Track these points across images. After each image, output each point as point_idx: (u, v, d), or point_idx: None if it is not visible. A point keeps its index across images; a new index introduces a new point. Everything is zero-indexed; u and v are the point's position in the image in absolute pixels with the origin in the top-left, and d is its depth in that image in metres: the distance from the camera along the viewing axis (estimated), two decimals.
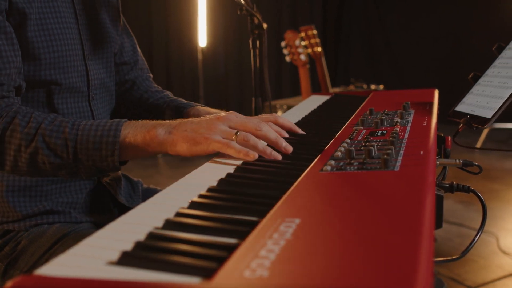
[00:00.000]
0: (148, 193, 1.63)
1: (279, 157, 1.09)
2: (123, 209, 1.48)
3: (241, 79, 7.04)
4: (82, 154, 1.13)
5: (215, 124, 1.11)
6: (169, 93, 1.68)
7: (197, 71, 6.45)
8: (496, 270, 2.87)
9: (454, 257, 1.07)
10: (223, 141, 1.08)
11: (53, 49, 1.29)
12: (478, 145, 5.40)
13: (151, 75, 1.74)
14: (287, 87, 7.32)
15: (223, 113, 1.16)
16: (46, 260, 1.25)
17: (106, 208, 1.47)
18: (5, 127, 1.13)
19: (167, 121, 1.15)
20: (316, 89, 4.15)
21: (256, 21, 1.99)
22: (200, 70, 6.39)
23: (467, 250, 1.05)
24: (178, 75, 6.69)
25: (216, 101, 6.76)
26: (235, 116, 1.15)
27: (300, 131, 1.34)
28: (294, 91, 7.19)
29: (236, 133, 1.11)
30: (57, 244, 1.28)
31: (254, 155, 1.07)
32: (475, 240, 1.06)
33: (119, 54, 1.60)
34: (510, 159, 5.28)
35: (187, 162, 5.45)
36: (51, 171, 1.16)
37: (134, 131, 1.14)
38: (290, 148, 1.12)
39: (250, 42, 2.01)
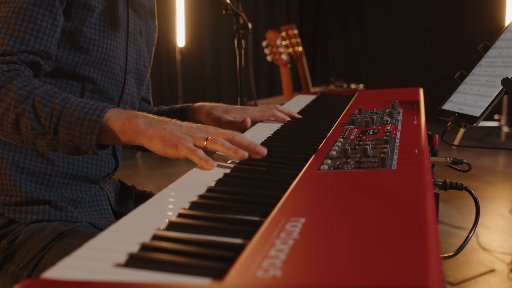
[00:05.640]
0: (141, 196, 1.64)
1: (245, 155, 1.08)
2: (118, 214, 1.50)
3: (220, 78, 7.03)
4: (64, 126, 1.13)
5: (193, 131, 1.12)
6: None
7: (175, 71, 6.42)
8: (476, 266, 2.92)
9: (450, 254, 1.09)
10: (191, 148, 1.08)
11: (102, 50, 1.33)
12: (456, 142, 5.48)
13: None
14: (264, 86, 7.32)
15: (206, 125, 1.18)
16: (42, 257, 1.25)
17: (105, 211, 1.47)
18: (3, 85, 1.15)
19: (151, 115, 1.16)
20: (297, 88, 4.15)
21: (241, 20, 1.99)
22: (178, 70, 6.36)
23: (462, 247, 1.06)
24: (155, 76, 6.65)
25: (195, 101, 6.71)
26: (214, 129, 1.16)
27: (298, 116, 1.55)
28: (271, 91, 7.21)
29: (207, 138, 1.11)
30: (54, 241, 1.27)
31: (212, 165, 1.06)
32: (470, 237, 1.08)
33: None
34: (486, 156, 5.37)
35: (166, 163, 5.42)
36: (32, 138, 1.17)
37: (117, 116, 1.14)
38: (264, 150, 1.11)
39: (236, 41, 2.01)
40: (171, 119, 1.16)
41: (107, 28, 1.34)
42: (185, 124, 1.15)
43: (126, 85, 1.45)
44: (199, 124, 1.17)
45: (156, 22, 1.65)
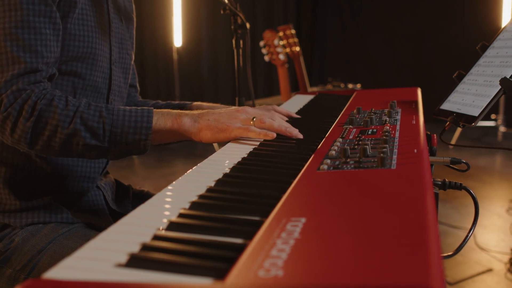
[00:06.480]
0: (139, 196, 1.64)
1: (299, 135, 1.26)
2: (115, 214, 1.50)
3: (218, 78, 7.02)
4: (117, 136, 1.20)
5: (235, 114, 1.26)
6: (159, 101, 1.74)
7: (172, 71, 6.41)
8: (474, 266, 2.92)
9: (449, 253, 1.09)
10: (243, 127, 1.24)
11: (87, 45, 1.33)
12: (453, 142, 5.48)
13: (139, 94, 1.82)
14: (261, 86, 7.32)
15: (240, 107, 1.33)
16: (39, 260, 1.25)
17: (102, 210, 1.47)
18: (43, 109, 1.17)
19: (188, 111, 1.26)
20: (294, 88, 4.16)
21: (239, 20, 1.98)
22: (175, 70, 6.35)
23: (461, 247, 1.06)
24: (152, 75, 6.65)
25: (192, 101, 6.71)
26: (250, 108, 1.32)
27: (296, 116, 1.55)
28: (269, 91, 7.21)
29: (253, 118, 1.26)
30: (50, 244, 1.27)
31: (272, 135, 1.23)
32: (469, 236, 1.08)
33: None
34: (483, 156, 5.38)
35: (163, 163, 5.41)
36: (81, 152, 1.21)
37: (163, 118, 1.24)
38: (300, 136, 1.26)
39: (234, 41, 2.01)
40: (209, 110, 1.28)
41: (90, 22, 1.33)
42: (223, 110, 1.28)
43: (113, 76, 1.44)
44: (235, 107, 1.31)
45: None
